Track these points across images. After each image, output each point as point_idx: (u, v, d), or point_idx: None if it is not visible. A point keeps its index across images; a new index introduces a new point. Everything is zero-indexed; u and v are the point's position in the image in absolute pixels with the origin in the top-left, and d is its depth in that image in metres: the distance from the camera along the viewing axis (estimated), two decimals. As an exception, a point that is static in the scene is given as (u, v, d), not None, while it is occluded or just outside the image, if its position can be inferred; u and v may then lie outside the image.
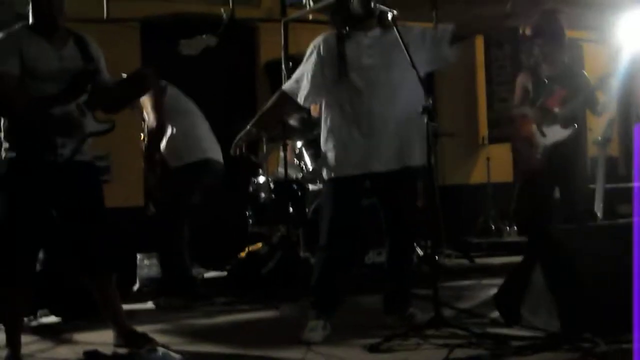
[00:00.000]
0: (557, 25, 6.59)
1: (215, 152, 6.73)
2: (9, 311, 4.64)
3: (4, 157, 4.54)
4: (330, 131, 5.09)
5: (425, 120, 4.69)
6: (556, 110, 6.39)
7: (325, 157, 5.10)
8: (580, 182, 6.61)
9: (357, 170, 5.01)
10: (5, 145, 4.53)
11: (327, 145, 5.09)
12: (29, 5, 4.60)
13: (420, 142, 4.95)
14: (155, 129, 6.36)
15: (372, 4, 4.91)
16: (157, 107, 6.32)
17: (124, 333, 4.80)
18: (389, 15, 4.80)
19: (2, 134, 4.58)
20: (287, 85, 5.25)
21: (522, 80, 6.66)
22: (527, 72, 6.68)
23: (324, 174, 5.12)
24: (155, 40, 8.91)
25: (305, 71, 5.12)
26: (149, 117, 6.35)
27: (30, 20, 4.61)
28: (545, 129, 6.41)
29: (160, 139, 6.48)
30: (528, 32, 7.19)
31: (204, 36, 4.79)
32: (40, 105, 4.43)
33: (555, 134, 6.40)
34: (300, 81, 5.12)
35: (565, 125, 6.39)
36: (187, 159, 6.59)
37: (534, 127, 6.43)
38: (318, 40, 5.14)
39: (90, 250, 4.67)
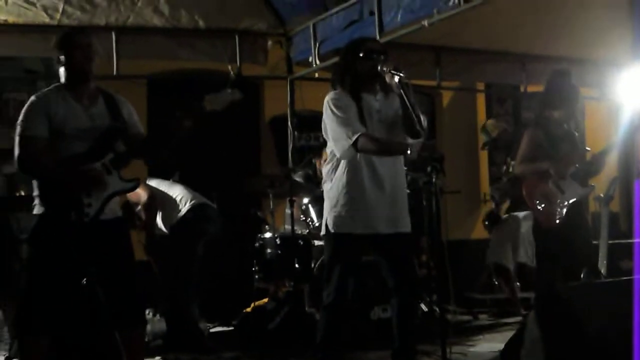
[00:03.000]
0: (571, 85, 6.69)
1: (198, 198, 6.87)
2: None
3: (35, 213, 4.63)
4: (341, 186, 5.10)
5: (433, 178, 4.79)
6: (575, 167, 6.46)
7: (333, 211, 5.12)
8: (588, 239, 6.66)
9: (364, 230, 5.06)
10: (36, 201, 4.62)
11: (335, 200, 5.12)
12: (58, 63, 4.73)
13: (407, 210, 5.21)
14: (148, 199, 6.66)
15: (379, 67, 5.01)
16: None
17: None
18: (397, 78, 4.88)
19: (35, 191, 4.66)
20: (354, 129, 4.96)
21: (533, 136, 6.57)
22: (538, 128, 6.60)
23: (330, 227, 5.13)
24: (162, 97, 9.03)
25: (349, 116, 5.02)
26: (139, 192, 6.51)
27: (62, 80, 4.73)
28: (563, 186, 6.42)
29: (155, 207, 6.69)
30: (541, 89, 7.24)
31: (229, 91, 4.87)
32: (67, 164, 4.53)
33: (574, 191, 6.42)
34: (354, 123, 5.01)
35: (583, 183, 6.45)
36: (178, 215, 6.73)
37: (551, 184, 6.42)
38: (336, 94, 5.13)
39: (124, 304, 4.73)
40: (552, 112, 6.49)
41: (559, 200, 6.37)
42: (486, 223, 9.17)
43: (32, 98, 4.66)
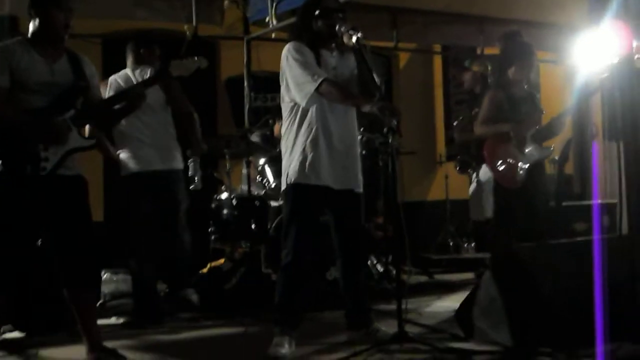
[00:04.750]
0: (524, 43, 6.75)
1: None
2: None
3: None
4: (297, 141, 5.12)
5: (390, 139, 4.81)
6: (535, 129, 6.53)
7: (291, 165, 5.13)
8: (546, 200, 6.74)
9: (320, 181, 5.08)
10: None
11: (292, 154, 5.14)
12: (33, 17, 4.68)
13: (359, 169, 5.27)
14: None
15: (337, 26, 5.01)
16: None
17: (97, 348, 4.80)
18: (354, 38, 4.89)
19: None
20: (318, 73, 4.97)
21: (495, 97, 6.62)
22: (499, 90, 6.65)
23: (288, 179, 5.14)
24: (117, 56, 8.93)
25: (311, 61, 5.04)
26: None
27: (30, 33, 4.70)
28: (523, 148, 6.49)
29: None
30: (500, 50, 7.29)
31: (195, 58, 4.87)
32: (26, 117, 4.47)
33: (533, 153, 6.49)
34: (316, 68, 5.02)
35: (542, 145, 6.52)
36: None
37: (511, 145, 6.49)
38: (296, 44, 5.12)
39: (75, 262, 4.68)
40: (508, 71, 6.54)
41: (519, 162, 6.44)
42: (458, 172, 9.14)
43: None
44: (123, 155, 6.50)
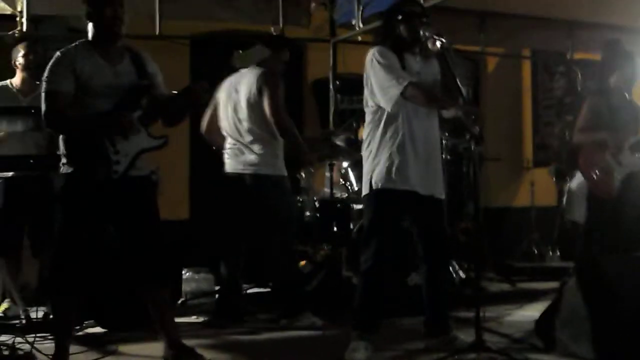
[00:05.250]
0: (625, 52, 6.63)
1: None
2: (61, 320, 4.75)
3: (62, 172, 4.65)
4: (382, 144, 5.11)
5: (472, 146, 4.78)
6: (634, 139, 6.38)
7: (375, 169, 5.11)
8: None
9: (407, 187, 5.06)
10: (63, 160, 4.63)
11: (377, 159, 5.11)
12: (87, 19, 4.71)
13: (441, 175, 5.26)
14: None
15: (421, 31, 4.99)
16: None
17: (175, 346, 4.86)
18: (438, 43, 4.87)
19: (61, 149, 4.67)
20: (403, 76, 4.97)
21: (594, 104, 6.50)
22: (598, 96, 6.54)
23: (372, 184, 5.11)
24: (204, 57, 9.02)
25: (396, 65, 5.03)
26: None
27: (89, 36, 4.72)
28: (620, 158, 6.36)
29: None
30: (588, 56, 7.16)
31: (257, 47, 4.85)
32: (94, 121, 4.54)
33: (631, 163, 6.35)
34: (401, 71, 5.02)
35: None
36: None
37: (608, 155, 6.35)
38: (380, 48, 5.10)
39: (148, 263, 4.74)
40: (609, 79, 6.44)
41: (615, 172, 6.31)
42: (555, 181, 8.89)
43: (57, 53, 4.64)
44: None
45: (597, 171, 6.36)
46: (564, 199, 8.32)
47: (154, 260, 4.76)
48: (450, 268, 7.21)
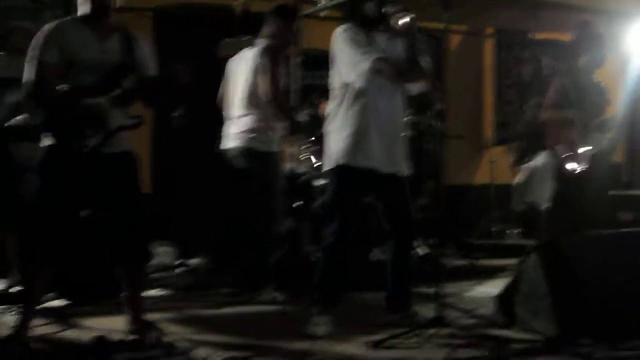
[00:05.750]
0: (597, 34, 6.72)
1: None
2: (31, 291, 4.73)
3: (42, 144, 4.63)
4: (346, 120, 5.14)
5: (436, 123, 4.82)
6: (600, 119, 6.54)
7: (338, 145, 5.15)
8: (605, 190, 6.73)
9: (368, 163, 5.10)
10: (45, 133, 4.61)
11: (341, 134, 5.15)
12: None
13: (405, 153, 5.30)
14: None
15: (386, 8, 5.00)
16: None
17: (137, 320, 4.86)
18: (404, 21, 4.88)
19: (41, 120, 4.64)
20: (371, 51, 5.03)
21: (563, 83, 6.67)
22: (567, 76, 6.71)
23: (335, 159, 5.16)
24: (168, 30, 8.96)
25: (363, 41, 5.07)
26: None
27: (80, 10, 4.71)
28: (587, 136, 6.50)
29: None
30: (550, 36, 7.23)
31: (243, 38, 4.85)
32: (72, 94, 4.51)
33: (597, 142, 6.50)
34: (369, 47, 5.06)
35: (606, 134, 6.50)
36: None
37: (575, 133, 6.49)
38: (347, 26, 5.14)
39: (129, 240, 4.74)
40: (579, 60, 6.53)
41: (582, 150, 6.41)
42: (514, 160, 8.92)
43: (49, 25, 4.66)
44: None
45: (564, 148, 6.43)
46: (521, 180, 8.42)
47: (134, 237, 4.76)
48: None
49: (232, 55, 4.92)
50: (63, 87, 4.49)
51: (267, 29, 6.44)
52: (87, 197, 4.74)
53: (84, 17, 4.70)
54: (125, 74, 4.70)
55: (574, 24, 7.17)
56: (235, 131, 6.44)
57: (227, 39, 4.86)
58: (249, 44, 4.93)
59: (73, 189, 4.61)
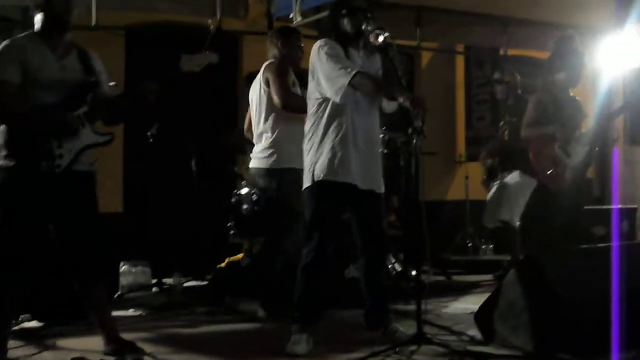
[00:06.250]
0: (575, 50, 6.79)
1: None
2: (3, 313, 4.66)
3: (2, 166, 4.56)
4: (325, 137, 5.12)
5: (415, 140, 4.82)
6: (582, 131, 6.66)
7: (318, 161, 5.11)
8: (582, 203, 6.81)
9: (348, 179, 5.08)
10: (4, 153, 4.55)
11: (320, 151, 5.12)
12: (36, 10, 4.66)
13: (381, 170, 5.31)
14: None
15: (364, 25, 5.01)
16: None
17: (114, 341, 4.82)
18: (381, 38, 4.89)
19: (2, 142, 4.59)
20: (351, 66, 4.98)
21: (541, 99, 6.76)
22: (544, 92, 6.79)
23: (315, 176, 5.11)
24: (140, 48, 8.95)
25: (342, 56, 5.06)
26: None
27: (38, 27, 4.66)
28: (569, 150, 6.58)
29: None
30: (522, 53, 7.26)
31: (207, 53, 4.84)
32: (39, 113, 4.47)
33: (579, 155, 6.57)
34: (348, 62, 5.04)
35: (588, 146, 6.57)
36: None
37: (557, 148, 6.57)
38: (326, 41, 5.12)
39: (86, 257, 4.70)
40: (557, 76, 6.65)
41: (565, 164, 6.47)
42: (485, 178, 8.91)
43: (6, 42, 4.59)
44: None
45: (548, 164, 6.50)
46: (494, 197, 8.46)
47: (91, 255, 4.73)
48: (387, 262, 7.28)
49: (194, 71, 4.88)
50: (30, 105, 4.46)
51: (270, 53, 6.51)
52: (54, 216, 4.70)
53: (41, 34, 4.65)
54: (89, 91, 4.68)
55: (552, 39, 7.22)
56: (256, 151, 6.42)
57: (186, 55, 4.82)
58: (212, 59, 4.90)
59: (41, 209, 4.58)
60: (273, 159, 6.26)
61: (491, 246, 10.07)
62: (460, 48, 11.53)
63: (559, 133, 6.56)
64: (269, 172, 6.28)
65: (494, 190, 8.51)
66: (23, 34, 4.70)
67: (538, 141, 6.68)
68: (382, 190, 5.30)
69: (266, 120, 6.33)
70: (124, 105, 4.84)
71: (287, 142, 6.19)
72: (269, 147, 6.30)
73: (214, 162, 8.67)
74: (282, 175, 6.22)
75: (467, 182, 10.55)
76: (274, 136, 6.28)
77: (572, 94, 6.83)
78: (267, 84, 6.23)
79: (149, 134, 7.25)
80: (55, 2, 4.60)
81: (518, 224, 8.14)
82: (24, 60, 4.51)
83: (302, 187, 5.28)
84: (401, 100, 4.93)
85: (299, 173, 5.47)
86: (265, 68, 6.33)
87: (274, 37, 6.55)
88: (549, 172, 6.53)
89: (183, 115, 9.44)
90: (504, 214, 8.21)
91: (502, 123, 8.66)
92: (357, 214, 5.27)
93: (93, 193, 4.83)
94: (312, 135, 5.17)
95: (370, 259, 5.31)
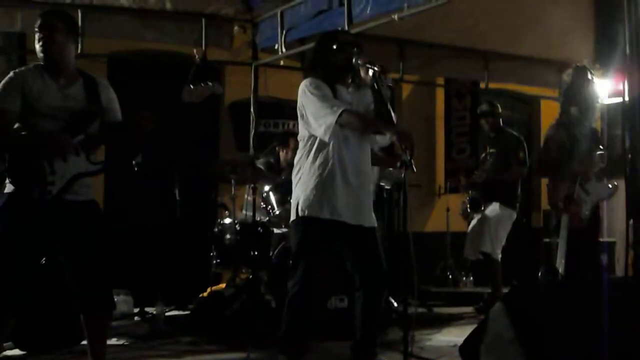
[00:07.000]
0: (590, 82, 6.64)
1: None
2: None
3: (5, 192, 4.57)
4: (312, 172, 5.11)
5: (403, 174, 4.86)
6: (599, 167, 6.49)
7: (303, 196, 5.11)
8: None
9: (331, 216, 5.07)
10: (7, 179, 4.56)
11: (306, 185, 5.12)
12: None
13: (371, 204, 5.30)
14: None
15: (354, 60, 5.04)
16: None
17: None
18: (371, 72, 4.93)
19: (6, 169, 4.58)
20: (337, 104, 4.98)
21: (557, 135, 6.56)
22: (559, 127, 6.59)
23: (299, 211, 5.11)
24: (122, 76, 8.94)
25: (329, 95, 5.05)
26: None
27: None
28: (588, 187, 6.43)
29: None
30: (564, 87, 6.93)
31: (210, 84, 4.86)
32: (35, 140, 4.48)
33: (599, 191, 6.46)
34: (335, 100, 5.04)
35: (609, 182, 6.49)
36: None
37: (576, 185, 6.38)
38: (312, 79, 5.11)
39: (92, 288, 4.67)
40: (572, 109, 6.53)
41: (584, 201, 6.39)
42: (468, 209, 8.90)
43: (10, 74, 4.63)
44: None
45: (566, 203, 6.39)
46: (475, 229, 8.49)
47: (98, 286, 4.70)
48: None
49: (195, 102, 4.89)
50: (27, 132, 4.47)
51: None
52: (47, 245, 4.67)
53: (45, 64, 4.68)
54: (90, 119, 4.68)
55: (569, 69, 6.94)
56: None
57: (188, 87, 4.84)
58: (216, 90, 4.91)
59: (32, 236, 4.54)
60: None
61: (471, 278, 10.11)
62: (440, 81, 11.61)
63: (577, 170, 6.40)
64: None
65: (474, 222, 8.57)
66: (28, 65, 4.74)
67: (555, 179, 6.56)
68: (373, 224, 5.31)
69: None
70: (121, 133, 4.84)
71: None
72: None
73: (197, 191, 8.69)
74: None
75: (448, 214, 10.59)
76: None
77: (588, 127, 6.62)
78: None
79: (133, 162, 7.24)
80: (36, 36, 4.66)
81: (499, 256, 8.20)
82: (23, 90, 4.54)
83: None
84: (388, 135, 4.97)
85: None
86: None
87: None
88: (566, 210, 6.36)
89: (166, 143, 9.44)
90: (485, 246, 8.26)
91: (483, 154, 8.72)
92: (350, 249, 5.23)
93: (95, 223, 4.77)
94: (300, 168, 5.17)
95: (369, 292, 5.25)
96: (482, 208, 8.48)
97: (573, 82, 6.68)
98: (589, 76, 6.64)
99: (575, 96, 6.58)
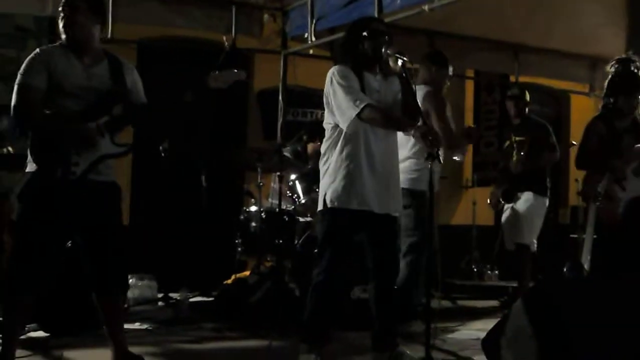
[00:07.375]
0: (635, 73, 6.45)
1: None
2: (11, 322, 4.63)
3: (27, 170, 4.59)
4: (339, 162, 5.11)
5: (430, 166, 4.84)
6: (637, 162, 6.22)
7: (331, 187, 5.11)
8: None
9: (359, 206, 5.07)
10: (29, 158, 4.57)
11: (334, 176, 5.11)
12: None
13: (400, 192, 5.31)
14: None
15: (384, 49, 5.02)
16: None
17: (123, 354, 4.82)
18: (400, 62, 4.90)
19: (29, 148, 4.61)
20: (361, 98, 4.95)
21: (597, 129, 6.38)
22: (601, 120, 6.41)
23: (327, 202, 5.11)
24: (151, 62, 8.97)
25: (355, 86, 5.03)
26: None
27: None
28: (625, 183, 6.19)
29: None
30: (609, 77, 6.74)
31: (235, 71, 4.86)
32: (61, 119, 4.50)
33: (636, 188, 6.21)
34: (359, 93, 5.01)
35: None
36: None
37: (613, 181, 6.19)
38: (340, 67, 5.10)
39: (108, 270, 4.70)
40: (616, 99, 6.36)
41: (619, 196, 6.19)
42: (500, 200, 8.80)
43: (36, 50, 4.65)
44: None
45: (602, 198, 6.21)
46: (508, 220, 8.40)
47: (113, 268, 4.72)
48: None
49: (221, 88, 4.89)
50: (52, 111, 4.48)
51: (421, 75, 6.69)
52: (70, 225, 4.68)
53: (69, 43, 4.69)
54: (115, 100, 4.68)
55: (613, 60, 6.66)
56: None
57: (216, 72, 4.84)
58: (238, 76, 4.90)
59: (56, 216, 4.56)
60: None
61: (496, 272, 10.07)
62: (470, 73, 11.54)
63: (615, 165, 6.20)
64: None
65: (507, 213, 8.45)
66: (54, 44, 4.75)
67: (591, 173, 6.42)
68: (398, 213, 5.31)
69: (414, 145, 6.48)
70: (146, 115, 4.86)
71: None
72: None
73: (223, 178, 8.70)
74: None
75: (475, 207, 10.55)
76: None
77: (633, 121, 6.39)
78: (427, 114, 6.25)
79: (160, 148, 7.26)
80: (59, 15, 4.67)
81: (535, 245, 8.09)
82: (49, 67, 4.54)
83: None
84: (410, 133, 4.96)
85: None
86: (425, 98, 6.44)
87: (428, 60, 6.77)
88: (601, 205, 6.21)
89: (194, 130, 9.48)
90: (522, 237, 8.12)
91: (506, 144, 8.62)
92: (371, 237, 5.25)
93: (114, 204, 4.81)
94: (327, 158, 5.17)
95: (382, 281, 5.29)
96: (515, 198, 8.35)
97: (617, 73, 6.48)
98: (632, 68, 6.45)
99: (618, 88, 6.39)
